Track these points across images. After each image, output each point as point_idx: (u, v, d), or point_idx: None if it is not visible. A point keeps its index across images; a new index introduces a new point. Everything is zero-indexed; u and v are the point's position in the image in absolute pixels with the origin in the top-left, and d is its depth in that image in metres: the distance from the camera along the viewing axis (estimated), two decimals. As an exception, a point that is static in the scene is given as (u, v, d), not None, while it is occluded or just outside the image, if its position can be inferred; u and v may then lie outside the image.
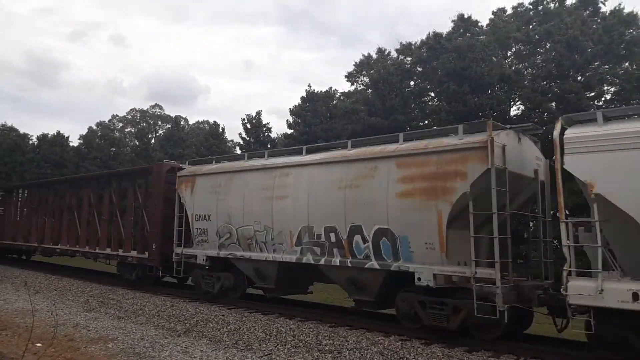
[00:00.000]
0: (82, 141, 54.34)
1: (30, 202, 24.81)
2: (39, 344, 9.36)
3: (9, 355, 6.17)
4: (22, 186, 27.78)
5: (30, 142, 52.91)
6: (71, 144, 52.75)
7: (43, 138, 51.27)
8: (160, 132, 70.09)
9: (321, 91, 37.97)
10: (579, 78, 25.45)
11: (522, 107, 28.22)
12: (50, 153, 48.18)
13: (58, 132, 51.36)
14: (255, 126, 41.16)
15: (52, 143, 49.81)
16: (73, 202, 20.98)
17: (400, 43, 37.44)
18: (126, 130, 73.46)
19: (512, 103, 28.85)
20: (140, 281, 16.64)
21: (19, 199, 26.12)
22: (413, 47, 35.84)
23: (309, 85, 38.56)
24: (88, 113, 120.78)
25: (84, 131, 60.03)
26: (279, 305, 13.12)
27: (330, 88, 40.29)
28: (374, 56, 41.20)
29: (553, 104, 25.23)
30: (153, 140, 64.45)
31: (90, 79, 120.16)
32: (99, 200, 19.38)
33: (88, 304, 14.52)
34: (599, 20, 28.46)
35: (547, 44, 27.72)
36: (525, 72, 28.69)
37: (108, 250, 18.06)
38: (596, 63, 26.20)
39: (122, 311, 13.37)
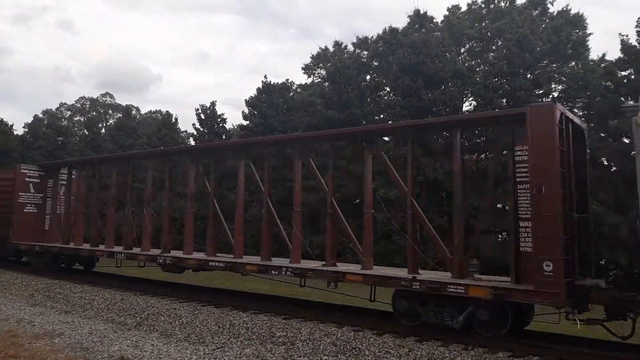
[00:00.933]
0: (27, 130, 52.11)
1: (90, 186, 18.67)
2: (-21, 341, 8.98)
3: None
4: (75, 163, 20.44)
5: (-30, 129, 50.27)
6: (15, 133, 50.52)
7: (-17, 126, 48.82)
8: (111, 121, 68.01)
9: (278, 83, 37.73)
10: (529, 76, 26.26)
11: (474, 102, 28.92)
12: (-8, 141, 45.95)
13: (1, 120, 49.07)
14: (209, 117, 40.49)
15: (-6, 131, 47.50)
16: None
17: (357, 37, 37.68)
18: (75, 119, 70.94)
19: (464, 99, 29.51)
20: None
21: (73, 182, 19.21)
22: (370, 41, 36.09)
23: (265, 77, 38.32)
24: (33, 100, 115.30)
25: (29, 119, 57.59)
26: (233, 298, 13.06)
27: (287, 80, 40.06)
28: (331, 49, 41.24)
29: (504, 100, 25.94)
30: (103, 130, 62.50)
31: (35, 65, 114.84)
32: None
33: (33, 299, 14.02)
34: (547, 20, 29.45)
35: (499, 41, 28.47)
36: (477, 69, 29.38)
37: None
38: (545, 62, 27.10)
39: (69, 305, 12.99)
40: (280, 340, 9.28)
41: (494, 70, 26.82)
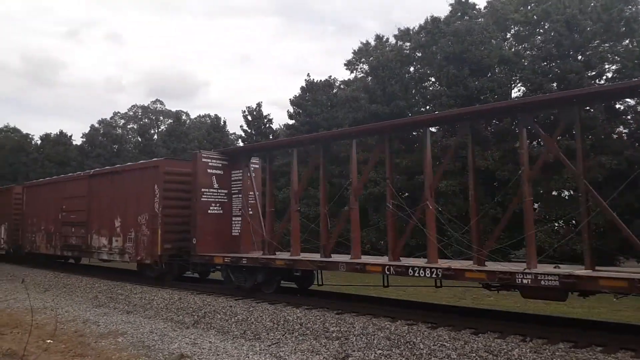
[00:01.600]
0: (84, 139, 54.52)
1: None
2: (49, 341, 9.50)
3: (20, 353, 6.27)
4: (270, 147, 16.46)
5: (33, 142, 53.10)
6: (74, 143, 52.96)
7: (46, 138, 51.46)
8: (162, 127, 70.14)
9: (321, 80, 37.86)
10: (580, 57, 25.29)
11: (523, 88, 28.09)
12: (53, 152, 48.39)
13: (61, 132, 51.58)
14: (256, 118, 41.12)
15: (55, 142, 50.02)
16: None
17: (399, 29, 37.23)
18: (128, 126, 73.59)
19: (513, 85, 28.70)
20: None
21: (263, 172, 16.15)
22: (411, 32, 35.64)
23: (308, 75, 38.44)
24: (89, 111, 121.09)
25: (86, 129, 60.25)
26: (285, 295, 13.22)
27: (330, 77, 40.17)
28: (373, 43, 41.03)
29: (554, 84, 25.08)
30: (155, 136, 64.55)
31: (89, 77, 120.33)
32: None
33: (97, 300, 14.68)
34: (597, -2, 28.21)
35: (546, 24, 27.52)
36: (525, 54, 28.50)
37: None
38: (596, 42, 25.99)
39: (130, 305, 13.52)
40: (334, 335, 9.35)
41: (543, 54, 25.96)
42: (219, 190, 14.96)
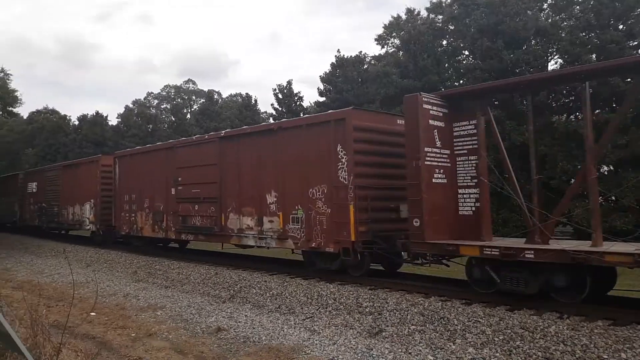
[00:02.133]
0: (120, 120, 55.60)
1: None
2: (93, 314, 9.89)
3: (66, 325, 6.58)
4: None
5: (71, 123, 54.45)
6: (110, 123, 54.09)
7: (83, 119, 52.68)
8: (195, 107, 70.88)
9: (351, 56, 37.48)
10: (621, 27, 24.28)
11: (560, 60, 27.23)
12: (90, 133, 49.55)
13: (97, 112, 52.70)
14: (286, 96, 41.17)
15: (92, 123, 51.17)
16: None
17: (430, 1, 36.38)
18: (162, 106, 74.57)
19: (549, 57, 27.83)
20: None
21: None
22: (444, 4, 34.79)
23: (338, 51, 38.10)
24: (123, 92, 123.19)
25: (120, 110, 61.35)
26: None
27: (360, 52, 39.72)
28: (404, 17, 40.26)
29: (593, 55, 24.20)
30: (189, 115, 65.32)
31: (121, 58, 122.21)
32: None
33: (136, 275, 15.15)
34: (641, -37, 26.91)
35: (586, -8, 26.45)
36: (562, 24, 27.53)
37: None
38: (638, 10, 24.88)
39: (168, 281, 13.91)
40: (367, 310, 9.43)
41: (581, 24, 25.00)
42: (441, 151, 10.59)
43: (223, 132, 16.00)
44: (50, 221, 26.34)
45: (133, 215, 19.02)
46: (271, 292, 11.30)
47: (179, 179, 16.45)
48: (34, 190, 28.81)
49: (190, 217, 16.01)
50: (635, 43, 24.18)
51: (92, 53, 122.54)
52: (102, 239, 21.90)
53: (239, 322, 9.34)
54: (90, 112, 53.01)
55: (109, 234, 21.31)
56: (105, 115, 53.24)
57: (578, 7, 26.98)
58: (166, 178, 17.04)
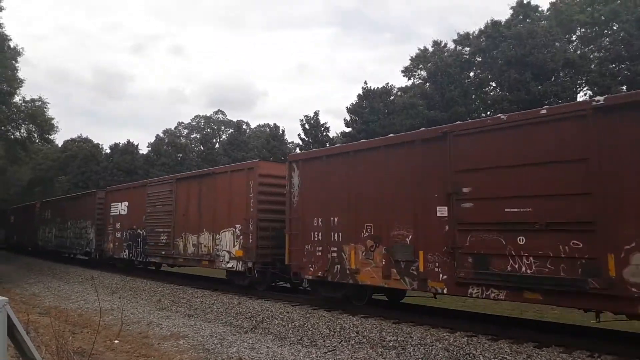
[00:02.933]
0: (150, 148, 56.81)
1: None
2: (116, 341, 9.94)
3: (89, 351, 6.62)
4: None
5: (104, 151, 55.92)
6: (140, 152, 55.33)
7: (115, 147, 54.04)
8: (224, 136, 72.07)
9: (378, 88, 37.75)
10: (652, 58, 24.02)
11: (589, 92, 26.94)
12: (122, 161, 50.70)
13: (128, 141, 53.99)
14: (313, 126, 41.52)
15: (123, 151, 52.40)
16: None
17: (458, 33, 36.65)
18: (192, 136, 76.10)
19: (578, 89, 27.58)
20: None
21: None
22: (471, 37, 34.97)
23: (365, 83, 38.46)
24: (154, 121, 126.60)
25: (151, 139, 62.84)
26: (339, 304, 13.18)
27: (387, 84, 40.01)
28: (430, 49, 40.53)
29: (624, 87, 23.90)
30: (217, 145, 66.41)
31: (154, 89, 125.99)
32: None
33: (160, 303, 15.21)
34: (672, -5, 26.71)
35: (615, 24, 26.32)
36: (591, 56, 27.36)
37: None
38: (671, 41, 24.61)
39: (192, 309, 13.92)
40: (390, 344, 9.25)
41: (611, 56, 24.87)
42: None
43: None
44: (152, 254, 19.88)
45: (334, 250, 11.98)
46: (293, 324, 11.19)
47: (466, 189, 9.34)
48: (124, 211, 22.64)
49: (504, 258, 8.71)
50: (668, 75, 23.84)
51: (126, 83, 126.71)
52: (255, 281, 14.86)
53: (261, 353, 9.25)
54: (122, 140, 54.50)
55: (268, 274, 14.71)
56: (136, 144, 54.57)
57: (607, 38, 26.83)
58: (425, 190, 10.05)
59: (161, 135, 65.91)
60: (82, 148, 55.21)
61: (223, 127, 77.36)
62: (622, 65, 24.20)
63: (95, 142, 57.84)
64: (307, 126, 41.73)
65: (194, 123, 78.55)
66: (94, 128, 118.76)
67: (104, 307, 14.12)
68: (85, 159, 52.38)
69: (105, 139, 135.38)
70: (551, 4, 32.21)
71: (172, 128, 75.16)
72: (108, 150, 55.10)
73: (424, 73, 40.33)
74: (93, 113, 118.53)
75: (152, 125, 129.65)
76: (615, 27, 26.16)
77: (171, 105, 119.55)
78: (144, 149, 57.07)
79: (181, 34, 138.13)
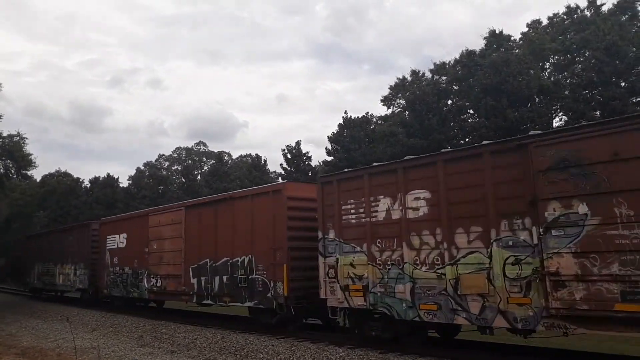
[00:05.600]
0: (131, 182, 56.29)
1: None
2: (96, 381, 9.65)
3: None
4: None
5: (83, 185, 55.23)
6: (121, 185, 54.78)
7: (95, 181, 53.47)
8: (206, 168, 71.76)
9: (358, 117, 38.23)
10: (622, 84, 24.74)
11: (564, 117, 27.60)
12: (102, 195, 50.13)
13: (108, 175, 53.52)
14: (295, 156, 41.70)
15: (103, 185, 51.87)
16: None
17: (434, 63, 37.48)
18: (173, 168, 75.55)
19: (553, 114, 28.23)
20: None
21: None
22: (447, 66, 35.78)
23: (345, 112, 38.92)
24: (134, 154, 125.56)
25: (132, 172, 62.21)
26: (328, 333, 13.06)
27: (367, 113, 40.51)
28: (409, 78, 41.32)
29: (597, 112, 24.55)
30: (199, 177, 66.02)
31: (132, 122, 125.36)
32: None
33: (142, 339, 14.86)
34: (638, 24, 27.76)
35: (586, 52, 27.17)
36: (565, 82, 28.12)
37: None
38: (639, 67, 25.45)
39: (174, 345, 13.62)
40: (377, 374, 9.13)
41: (583, 82, 25.59)
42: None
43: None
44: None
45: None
46: (279, 357, 11.02)
47: None
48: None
49: None
50: (639, 99, 24.58)
51: (105, 117, 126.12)
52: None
53: (245, 388, 9.07)
54: (102, 174, 53.96)
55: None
56: (116, 177, 54.07)
57: (580, 65, 27.64)
58: None
59: (142, 167, 65.40)
60: (61, 182, 54.50)
61: (204, 159, 77.00)
62: (595, 91, 24.87)
63: (75, 176, 57.16)
64: (289, 155, 41.90)
65: (175, 155, 78.08)
66: (73, 162, 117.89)
67: (83, 346, 13.77)
68: (64, 194, 51.67)
69: (85, 173, 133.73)
70: (522, 33, 33.26)
71: (153, 160, 74.62)
72: (88, 185, 54.48)
73: (403, 102, 41.01)
74: (72, 147, 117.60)
75: (132, 158, 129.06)
76: (586, 54, 26.99)
77: (151, 138, 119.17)
78: (124, 182, 56.57)
79: (160, 68, 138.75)
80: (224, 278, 14.74)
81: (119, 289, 20.26)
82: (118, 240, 20.48)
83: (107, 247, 21.25)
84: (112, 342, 14.82)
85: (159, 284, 17.68)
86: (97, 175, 54.12)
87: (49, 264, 26.70)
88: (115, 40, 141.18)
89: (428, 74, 38.88)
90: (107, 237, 21.37)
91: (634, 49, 24.55)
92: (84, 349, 13.29)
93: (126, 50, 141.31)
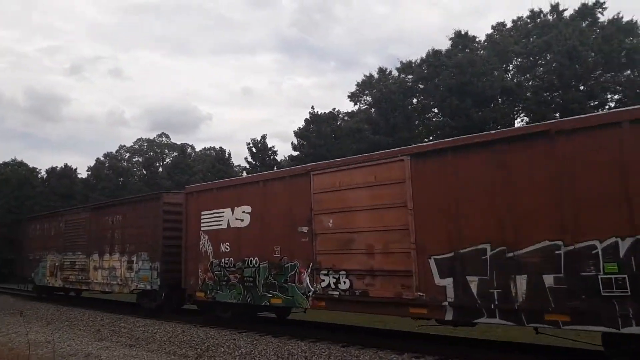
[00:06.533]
0: (90, 172, 54.78)
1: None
2: (50, 375, 9.33)
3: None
4: None
5: (39, 175, 53.40)
6: (79, 176, 53.24)
7: (52, 171, 51.76)
8: (168, 160, 70.56)
9: (325, 113, 38.20)
10: (581, 87, 25.53)
11: (526, 118, 28.29)
12: (59, 185, 48.58)
13: (66, 165, 51.88)
14: (260, 150, 41.43)
15: (60, 176, 50.26)
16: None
17: (401, 62, 37.79)
18: (134, 159, 73.99)
19: (516, 115, 28.90)
20: None
21: None
22: (413, 65, 36.14)
23: (312, 108, 38.86)
24: (93, 145, 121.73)
25: (91, 163, 60.60)
26: (290, 327, 13.02)
27: (334, 109, 40.55)
28: (376, 76, 41.55)
29: (557, 114, 25.24)
30: (160, 169, 64.84)
31: (92, 112, 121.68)
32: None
33: (99, 333, 14.49)
34: (597, 30, 28.65)
35: (548, 55, 27.90)
36: (527, 84, 28.81)
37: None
38: (598, 72, 26.30)
39: (133, 339, 13.33)
40: (339, 368, 9.14)
41: (545, 85, 26.29)
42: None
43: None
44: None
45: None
46: (240, 351, 10.90)
47: None
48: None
49: None
50: (596, 103, 25.40)
51: (63, 106, 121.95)
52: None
53: (206, 382, 8.93)
54: (60, 164, 52.27)
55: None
56: (74, 168, 52.47)
57: (541, 68, 28.36)
58: None
59: (102, 159, 63.80)
60: (16, 172, 52.51)
61: (167, 151, 75.70)
62: (555, 94, 25.61)
63: (31, 166, 55.16)
64: (254, 150, 41.60)
65: (137, 146, 76.47)
66: (30, 152, 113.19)
67: (37, 340, 13.32)
68: (19, 184, 49.81)
69: (42, 163, 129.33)
70: (487, 35, 33.87)
71: (114, 151, 72.89)
72: (45, 175, 52.71)
73: (369, 98, 41.24)
74: (28, 136, 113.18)
75: (91, 149, 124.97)
76: (548, 58, 27.71)
77: (111, 129, 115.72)
78: (83, 173, 54.98)
79: (123, 57, 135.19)
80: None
81: (235, 293, 13.15)
82: (229, 217, 13.69)
83: (203, 228, 14.45)
84: (67, 336, 14.40)
85: (345, 286, 10.65)
86: (54, 166, 52.42)
87: (73, 255, 20.25)
88: (78, 27, 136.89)
89: (395, 72, 39.22)
90: (203, 212, 14.49)
91: (593, 54, 25.37)
92: (38, 343, 12.85)
93: (89, 38, 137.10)
